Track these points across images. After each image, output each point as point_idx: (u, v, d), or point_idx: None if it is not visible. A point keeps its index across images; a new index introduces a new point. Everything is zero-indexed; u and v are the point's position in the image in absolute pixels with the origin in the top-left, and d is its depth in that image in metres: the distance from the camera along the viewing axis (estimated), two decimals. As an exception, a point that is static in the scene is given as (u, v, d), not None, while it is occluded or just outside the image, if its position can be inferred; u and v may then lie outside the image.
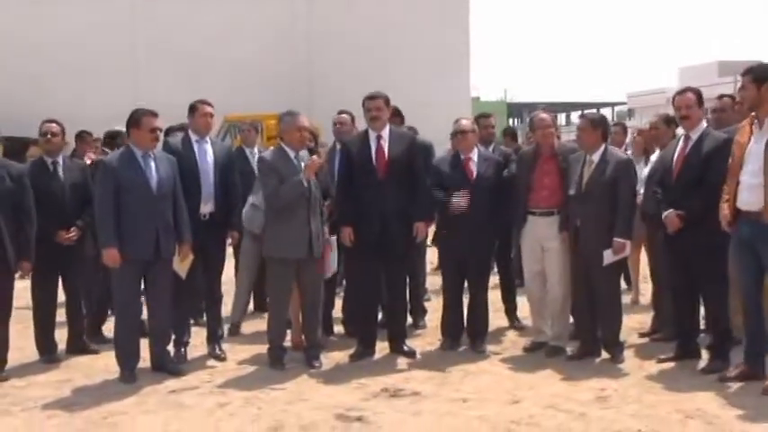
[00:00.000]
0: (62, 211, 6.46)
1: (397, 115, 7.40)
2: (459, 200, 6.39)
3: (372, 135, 6.42)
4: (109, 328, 6.88)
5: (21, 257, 6.04)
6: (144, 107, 6.16)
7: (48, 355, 6.48)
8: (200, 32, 28.14)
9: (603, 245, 6.04)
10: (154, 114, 6.01)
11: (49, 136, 6.58)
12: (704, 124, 5.97)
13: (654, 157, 7.13)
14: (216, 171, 6.48)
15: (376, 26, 29.40)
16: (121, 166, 5.88)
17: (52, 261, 6.43)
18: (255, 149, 8.06)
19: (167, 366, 6.06)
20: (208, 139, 6.61)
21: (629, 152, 7.70)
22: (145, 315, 6.14)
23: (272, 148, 6.87)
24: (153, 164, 5.94)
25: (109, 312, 7.23)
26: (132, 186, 5.84)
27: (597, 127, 6.25)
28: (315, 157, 6.18)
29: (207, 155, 6.50)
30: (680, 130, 6.42)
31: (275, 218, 6.16)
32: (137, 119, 5.97)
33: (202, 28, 28.26)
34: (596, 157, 6.17)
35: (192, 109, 6.58)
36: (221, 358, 6.47)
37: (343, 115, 7.43)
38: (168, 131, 7.64)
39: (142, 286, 6.09)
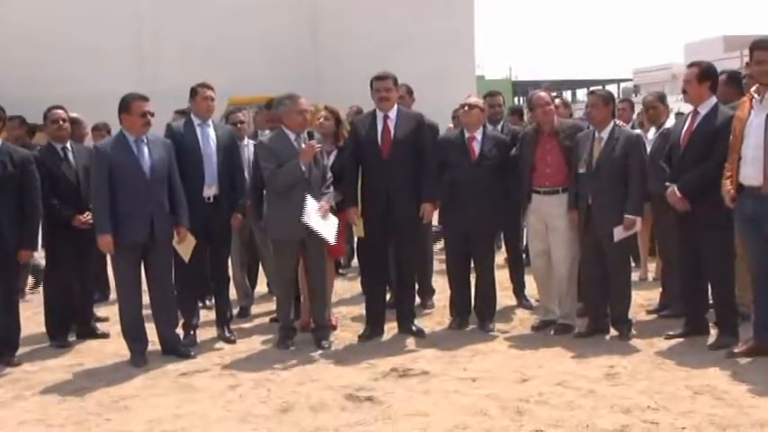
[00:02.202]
0: (78, 196, 6.48)
1: (410, 93, 7.49)
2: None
3: (380, 115, 6.39)
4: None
5: (23, 246, 5.98)
6: (136, 92, 6.11)
7: (59, 339, 6.51)
8: (206, 16, 28.02)
9: (615, 221, 6.03)
10: (144, 98, 5.98)
11: (60, 122, 6.57)
12: (713, 100, 5.89)
13: (651, 135, 7.10)
14: (219, 154, 6.46)
15: (382, 5, 29.24)
16: (114, 151, 5.86)
17: (68, 246, 6.45)
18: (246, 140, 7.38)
19: (177, 349, 6.09)
20: (210, 122, 6.58)
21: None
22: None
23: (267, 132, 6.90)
24: (146, 148, 5.91)
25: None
26: (125, 171, 5.82)
27: (608, 103, 6.25)
28: (312, 141, 6.14)
29: (209, 138, 6.48)
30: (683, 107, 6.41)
31: (275, 200, 6.21)
32: (127, 104, 5.93)
33: (208, 11, 28.13)
34: (605, 133, 6.15)
35: (193, 93, 6.56)
36: (231, 340, 6.49)
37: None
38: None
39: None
